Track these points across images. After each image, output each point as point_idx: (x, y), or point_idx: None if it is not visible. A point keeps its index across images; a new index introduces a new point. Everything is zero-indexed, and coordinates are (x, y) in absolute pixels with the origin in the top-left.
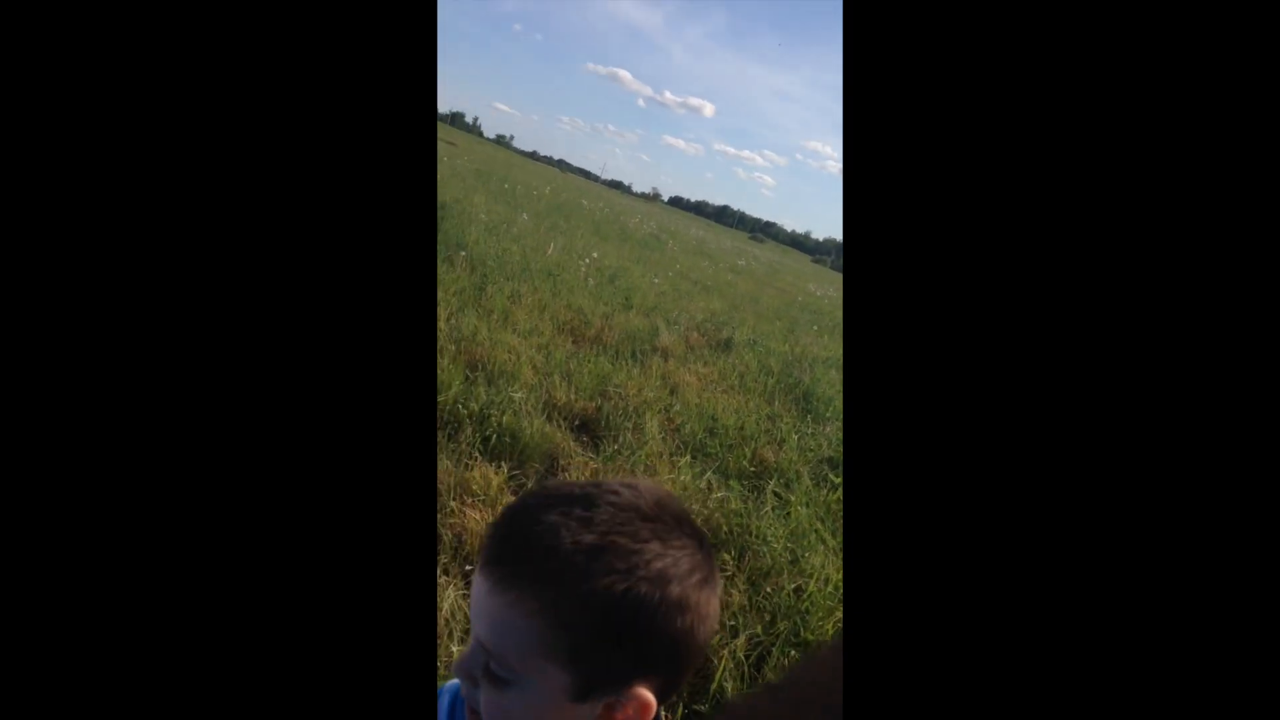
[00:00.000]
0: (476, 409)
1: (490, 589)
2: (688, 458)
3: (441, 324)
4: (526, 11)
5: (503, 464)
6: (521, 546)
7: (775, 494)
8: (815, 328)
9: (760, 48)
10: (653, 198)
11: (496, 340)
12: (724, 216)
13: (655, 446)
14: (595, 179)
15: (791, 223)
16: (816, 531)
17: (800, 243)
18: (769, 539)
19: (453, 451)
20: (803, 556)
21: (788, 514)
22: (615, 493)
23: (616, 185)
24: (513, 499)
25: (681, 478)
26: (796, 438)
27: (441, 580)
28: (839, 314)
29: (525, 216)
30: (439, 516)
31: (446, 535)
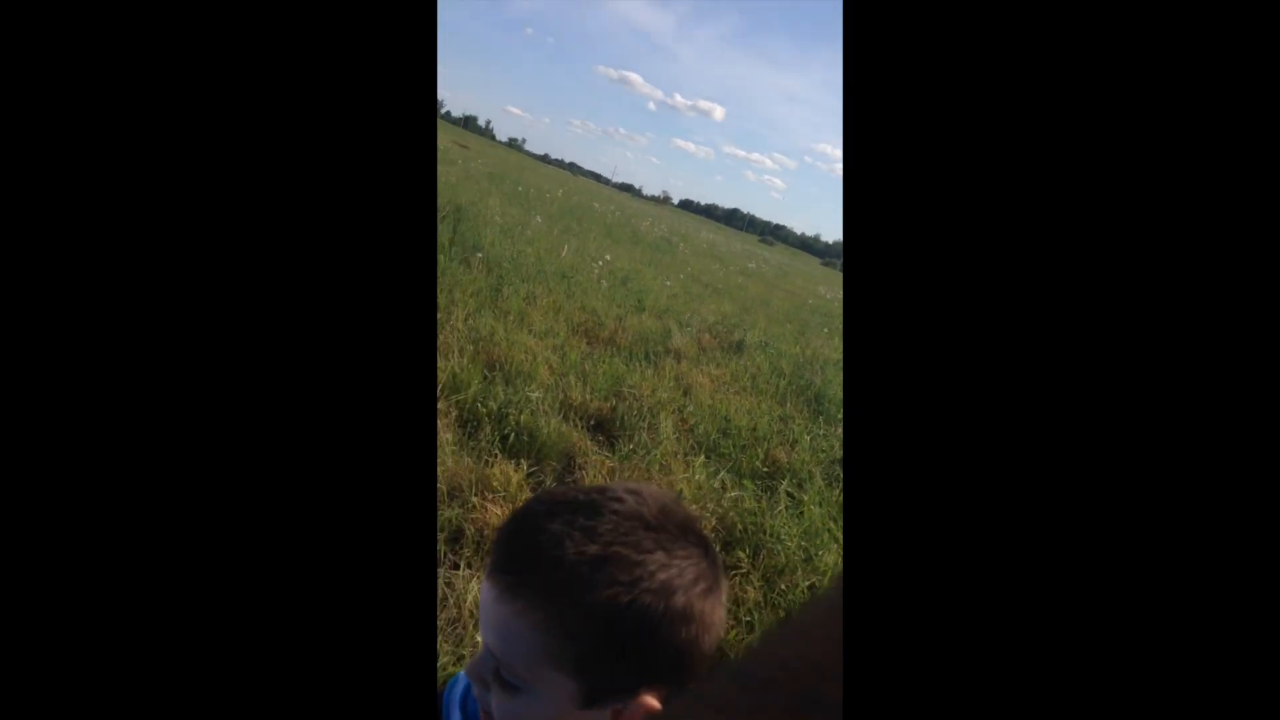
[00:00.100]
0: (495, 408)
1: (497, 596)
2: (702, 457)
3: (459, 324)
4: (538, 15)
5: (522, 461)
6: (526, 556)
7: (788, 494)
8: (826, 330)
9: (771, 50)
10: (663, 201)
11: (513, 341)
12: (734, 219)
13: (670, 446)
14: (606, 182)
15: (801, 225)
16: (829, 530)
17: (810, 245)
18: (783, 538)
19: (473, 449)
20: (816, 555)
21: (801, 513)
22: (620, 500)
23: (627, 188)
24: (532, 495)
25: (696, 477)
26: (809, 439)
27: (465, 573)
28: None
29: (539, 219)
30: (461, 511)
31: (470, 530)
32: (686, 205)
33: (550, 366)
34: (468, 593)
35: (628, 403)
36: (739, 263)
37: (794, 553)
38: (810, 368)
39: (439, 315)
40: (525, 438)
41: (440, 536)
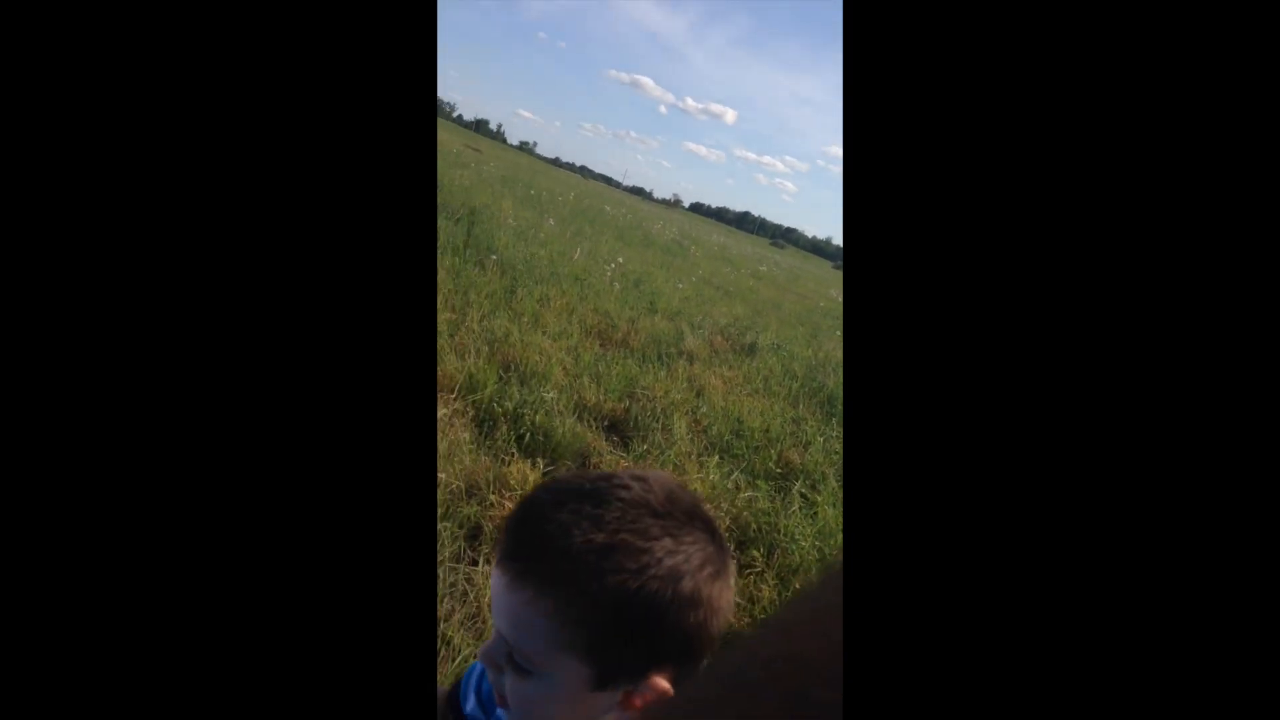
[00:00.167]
0: (511, 408)
1: (508, 585)
2: (716, 458)
3: (474, 325)
4: (550, 19)
5: (538, 460)
6: (534, 545)
7: (802, 495)
8: (838, 333)
9: (783, 52)
10: (673, 204)
11: (528, 342)
12: (744, 222)
13: (684, 447)
14: (617, 185)
15: (812, 229)
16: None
17: (821, 249)
18: (797, 537)
19: (489, 448)
20: (830, 554)
21: (814, 514)
22: (626, 487)
23: (638, 191)
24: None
25: (710, 477)
26: (822, 440)
27: (484, 569)
28: None
29: (551, 222)
30: (480, 509)
31: (488, 527)
32: (697, 208)
33: (564, 368)
34: (487, 588)
35: (641, 404)
36: (750, 266)
37: (808, 552)
38: (823, 370)
39: (455, 316)
40: (541, 437)
41: (459, 533)
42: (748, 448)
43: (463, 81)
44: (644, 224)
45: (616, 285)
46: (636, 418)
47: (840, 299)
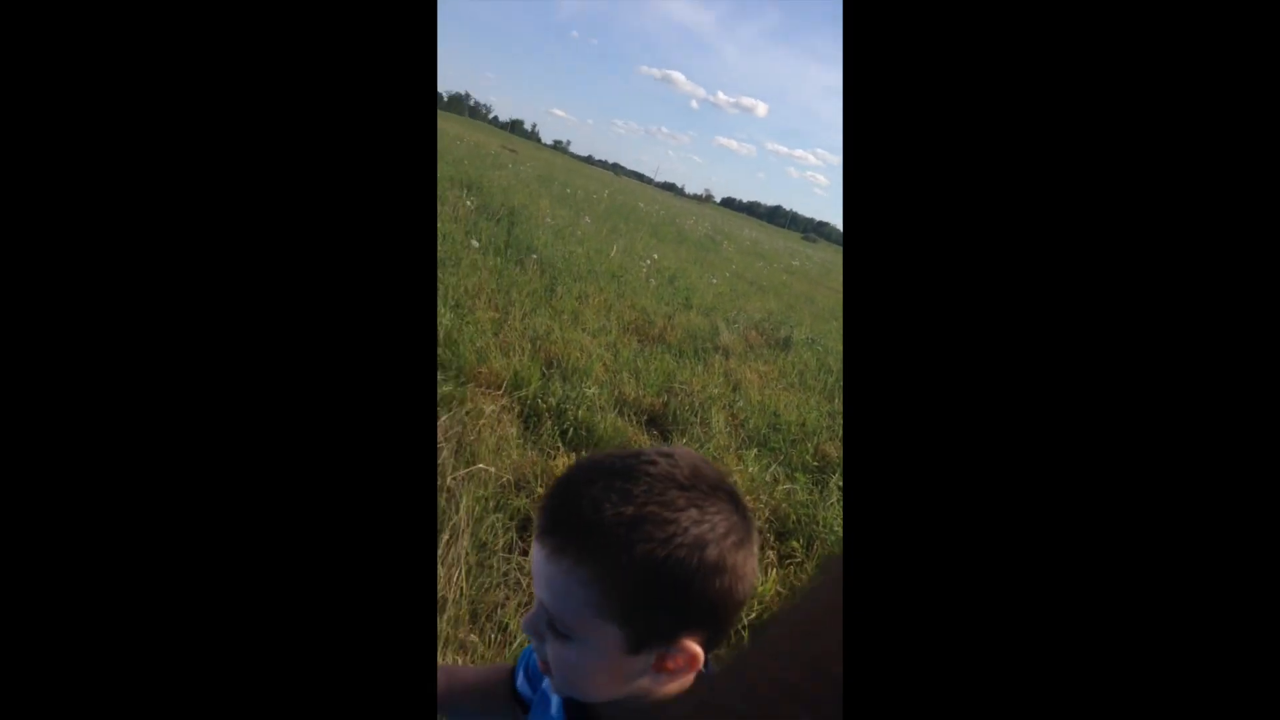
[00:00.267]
0: (554, 403)
1: (546, 557)
2: (754, 451)
3: (517, 323)
4: (583, 18)
5: (582, 454)
6: (569, 519)
7: (839, 487)
8: None
9: (814, 45)
10: (705, 199)
11: (569, 339)
12: (776, 217)
13: (722, 440)
14: (649, 181)
15: None
16: None
17: None
18: (835, 529)
19: (535, 442)
20: None
21: None
22: (653, 463)
23: (669, 187)
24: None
25: (749, 470)
26: None
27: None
28: None
29: (588, 220)
30: (529, 501)
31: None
32: (729, 203)
33: (604, 363)
34: None
35: (679, 398)
36: (783, 260)
37: None
38: None
39: (499, 315)
40: (584, 432)
41: (511, 525)
42: (785, 441)
43: (498, 83)
44: (677, 220)
45: (652, 282)
46: (675, 412)
47: None
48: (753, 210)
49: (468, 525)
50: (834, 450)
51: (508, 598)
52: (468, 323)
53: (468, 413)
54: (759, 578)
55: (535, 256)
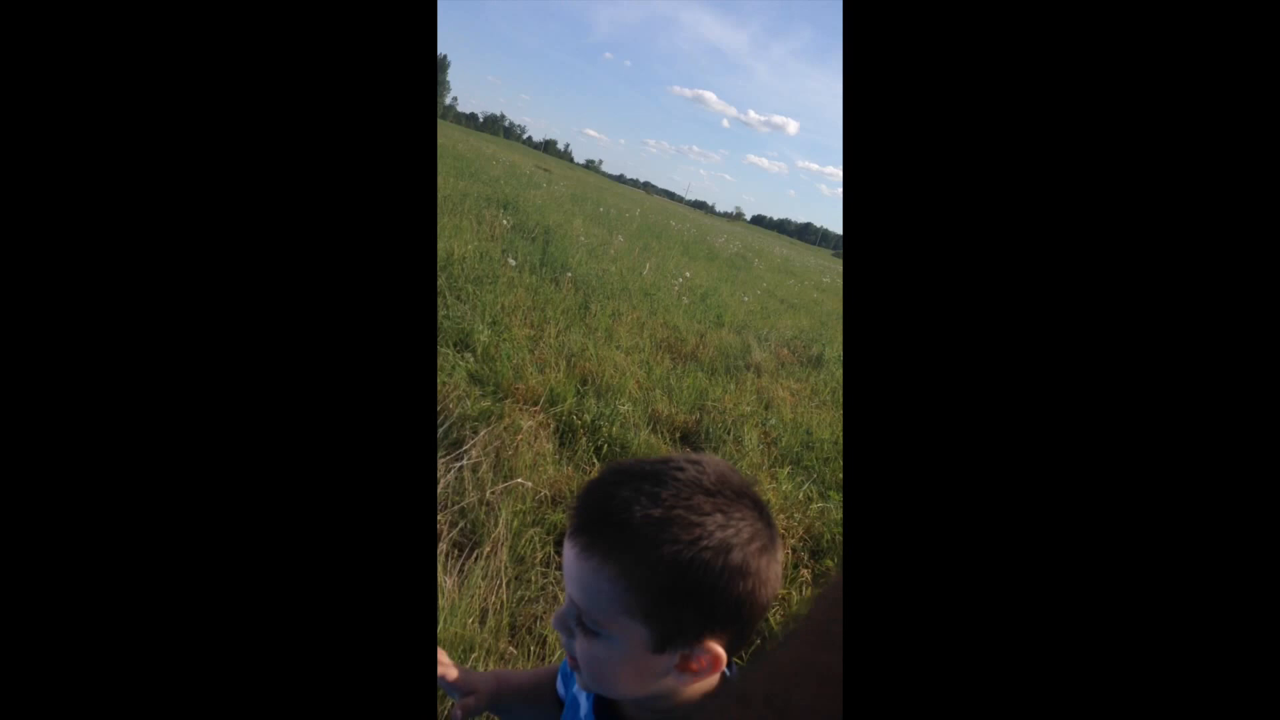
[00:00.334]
0: (589, 420)
1: (577, 555)
2: (787, 469)
3: (552, 340)
4: (616, 40)
5: None
6: (599, 519)
7: None
8: None
9: None
10: (735, 217)
11: (603, 356)
12: (806, 234)
13: (755, 458)
14: (679, 199)
15: None
16: None
17: None
18: None
19: (570, 458)
20: None
21: None
22: (681, 469)
23: (700, 205)
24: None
25: (783, 488)
26: None
27: None
28: None
29: (620, 238)
30: (564, 517)
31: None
32: (759, 220)
33: (638, 381)
34: None
35: (712, 415)
36: (813, 277)
37: None
38: None
39: (534, 332)
40: (618, 448)
41: (548, 539)
42: (818, 459)
43: (533, 104)
44: (707, 238)
45: (684, 299)
46: (708, 429)
47: None
48: (783, 227)
49: (506, 538)
50: None
51: (546, 611)
52: (505, 339)
53: (505, 427)
54: (784, 587)
55: (570, 275)
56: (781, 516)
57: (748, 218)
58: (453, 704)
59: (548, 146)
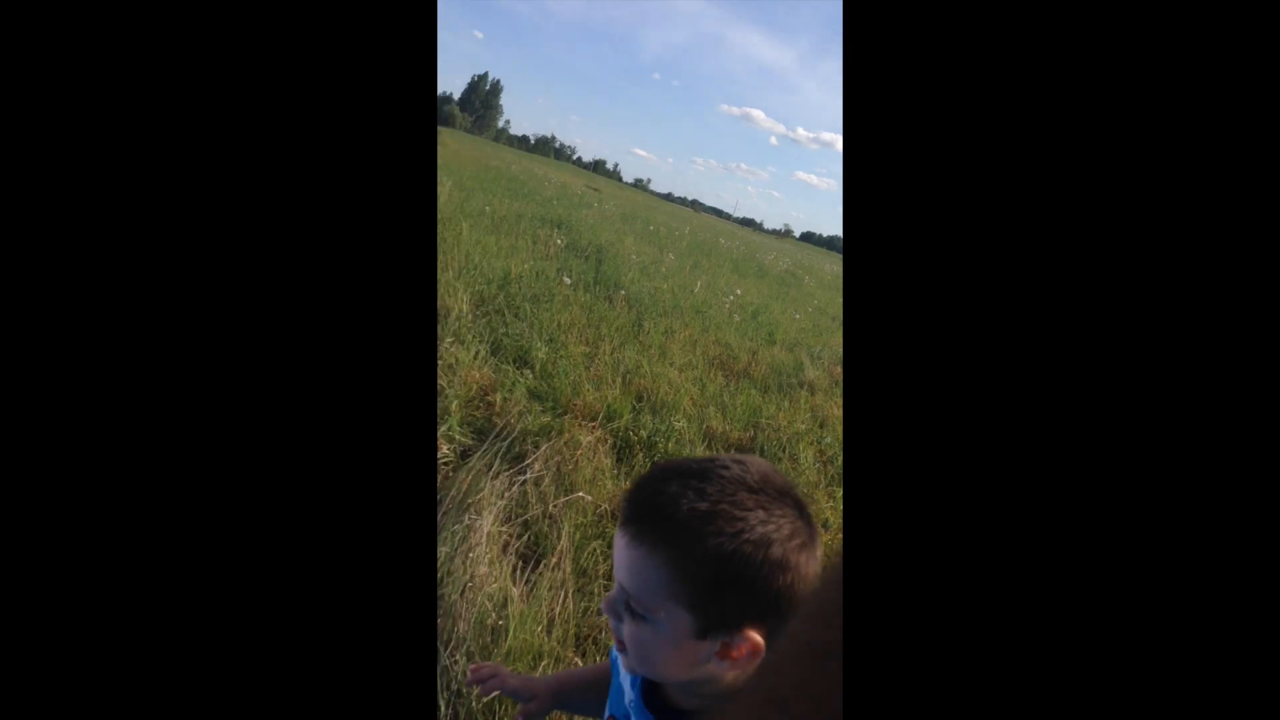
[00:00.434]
0: (645, 436)
1: (627, 544)
2: (844, 489)
3: (607, 357)
4: (665, 60)
5: None
6: (649, 511)
7: None
8: None
9: None
10: (784, 234)
11: (657, 373)
12: None
13: (811, 476)
14: (727, 217)
15: None
16: None
17: None
18: None
19: (628, 473)
20: None
21: None
22: (726, 467)
23: (748, 223)
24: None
25: (840, 508)
26: None
27: None
28: None
29: (671, 257)
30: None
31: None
32: (808, 238)
33: (691, 398)
34: None
35: (766, 433)
36: None
37: None
38: None
39: (589, 349)
40: None
41: (609, 552)
42: None
43: (582, 125)
44: (757, 255)
45: (735, 317)
46: (763, 446)
47: None
48: (832, 244)
49: (569, 550)
50: None
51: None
52: (562, 356)
53: (565, 443)
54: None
55: (623, 292)
56: (841, 536)
57: (796, 235)
58: (518, 710)
59: (597, 166)
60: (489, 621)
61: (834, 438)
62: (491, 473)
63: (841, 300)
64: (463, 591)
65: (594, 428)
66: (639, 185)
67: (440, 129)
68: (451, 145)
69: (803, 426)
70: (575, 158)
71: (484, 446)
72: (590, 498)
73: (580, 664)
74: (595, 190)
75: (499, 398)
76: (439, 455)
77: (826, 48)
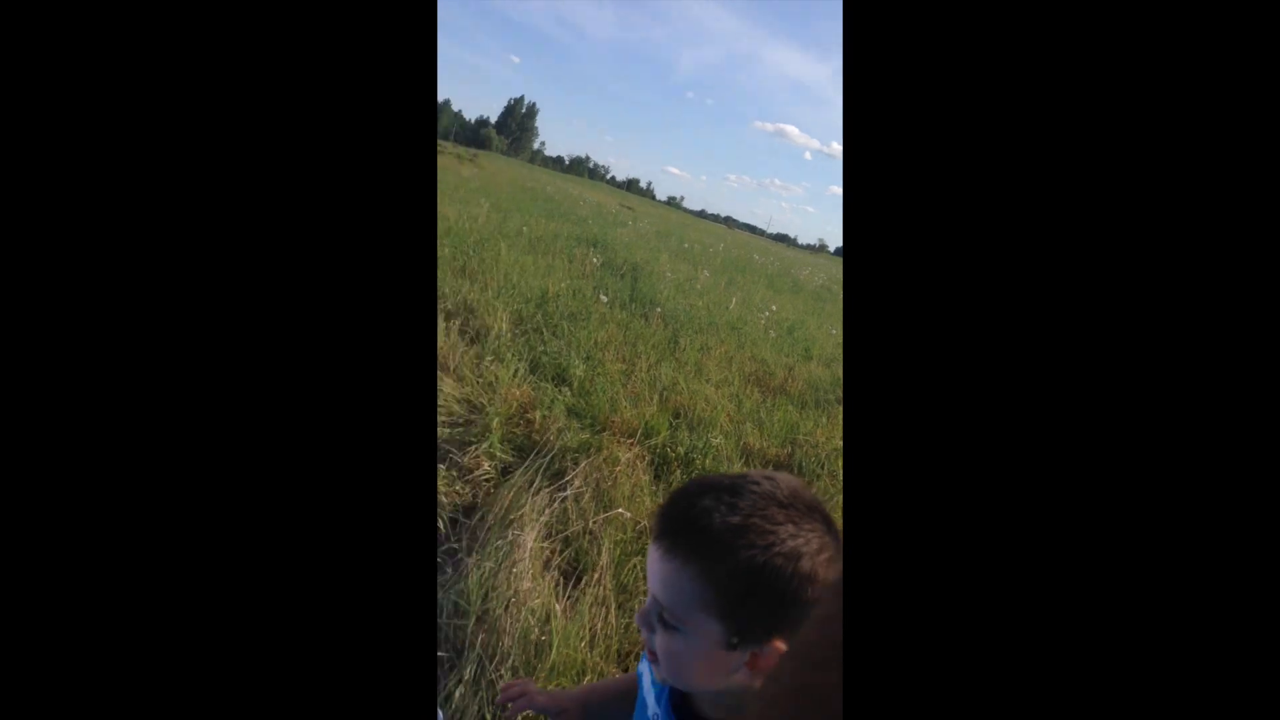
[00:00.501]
0: (682, 453)
1: (660, 556)
2: None
3: (643, 374)
4: (698, 78)
5: None
6: (682, 525)
7: None
8: None
9: None
10: (819, 249)
11: (694, 390)
12: None
13: None
14: (761, 233)
15: None
16: None
17: None
18: None
19: (666, 490)
20: None
21: None
22: (756, 483)
23: (782, 239)
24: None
25: None
26: None
27: None
28: None
29: (706, 273)
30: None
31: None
32: (842, 253)
33: (728, 414)
34: None
35: (804, 449)
36: None
37: None
38: None
39: (626, 366)
40: None
41: None
42: None
43: (616, 145)
44: (791, 271)
45: (771, 333)
46: (800, 463)
47: None
48: None
49: (610, 566)
50: None
51: None
52: (599, 374)
53: (604, 459)
54: None
55: (659, 310)
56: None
57: (831, 250)
58: None
59: (630, 185)
60: (532, 637)
61: None
62: (533, 489)
63: None
64: (506, 606)
65: (632, 444)
66: (672, 203)
67: (478, 152)
68: (488, 167)
69: (840, 443)
70: (609, 177)
71: (525, 463)
72: (629, 514)
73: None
74: (629, 209)
75: (538, 415)
76: (480, 472)
77: None
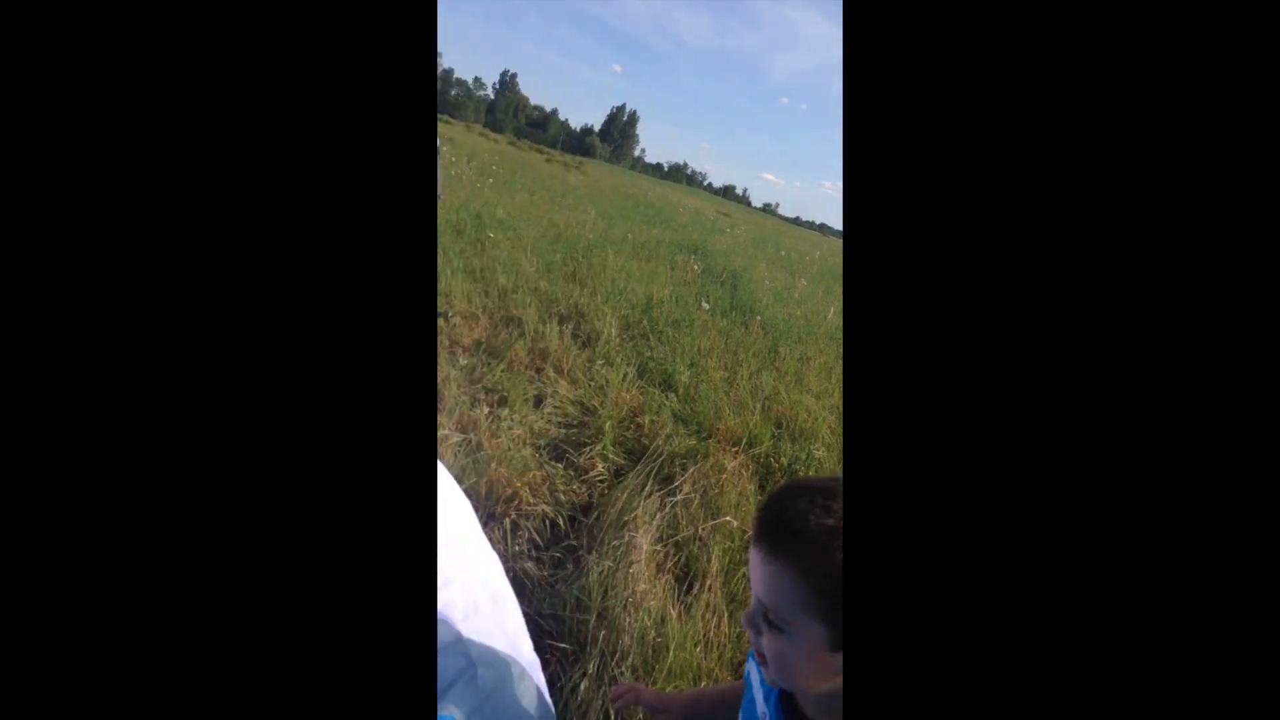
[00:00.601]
0: (785, 463)
1: (762, 559)
2: None
3: (745, 382)
4: (792, 85)
5: None
6: (781, 528)
7: None
8: None
9: None
10: None
11: (795, 400)
12: None
13: None
14: None
15: None
16: None
17: None
18: None
19: None
20: None
21: None
22: None
23: None
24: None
25: None
26: None
27: None
28: None
29: (803, 282)
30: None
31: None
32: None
33: (829, 426)
34: None
35: None
36: None
37: None
38: None
39: (728, 374)
40: None
41: None
42: None
43: (713, 152)
44: None
45: None
46: None
47: None
48: None
49: (719, 573)
50: None
51: None
52: (703, 380)
53: (711, 466)
54: None
55: (759, 318)
56: None
57: None
58: None
59: (726, 192)
60: (649, 638)
61: None
62: (644, 492)
63: None
64: (625, 605)
65: (736, 453)
66: (768, 210)
67: (583, 160)
68: (593, 174)
69: None
70: (706, 183)
71: (635, 467)
72: (736, 522)
73: None
74: (726, 215)
75: (647, 420)
76: (595, 473)
77: None
